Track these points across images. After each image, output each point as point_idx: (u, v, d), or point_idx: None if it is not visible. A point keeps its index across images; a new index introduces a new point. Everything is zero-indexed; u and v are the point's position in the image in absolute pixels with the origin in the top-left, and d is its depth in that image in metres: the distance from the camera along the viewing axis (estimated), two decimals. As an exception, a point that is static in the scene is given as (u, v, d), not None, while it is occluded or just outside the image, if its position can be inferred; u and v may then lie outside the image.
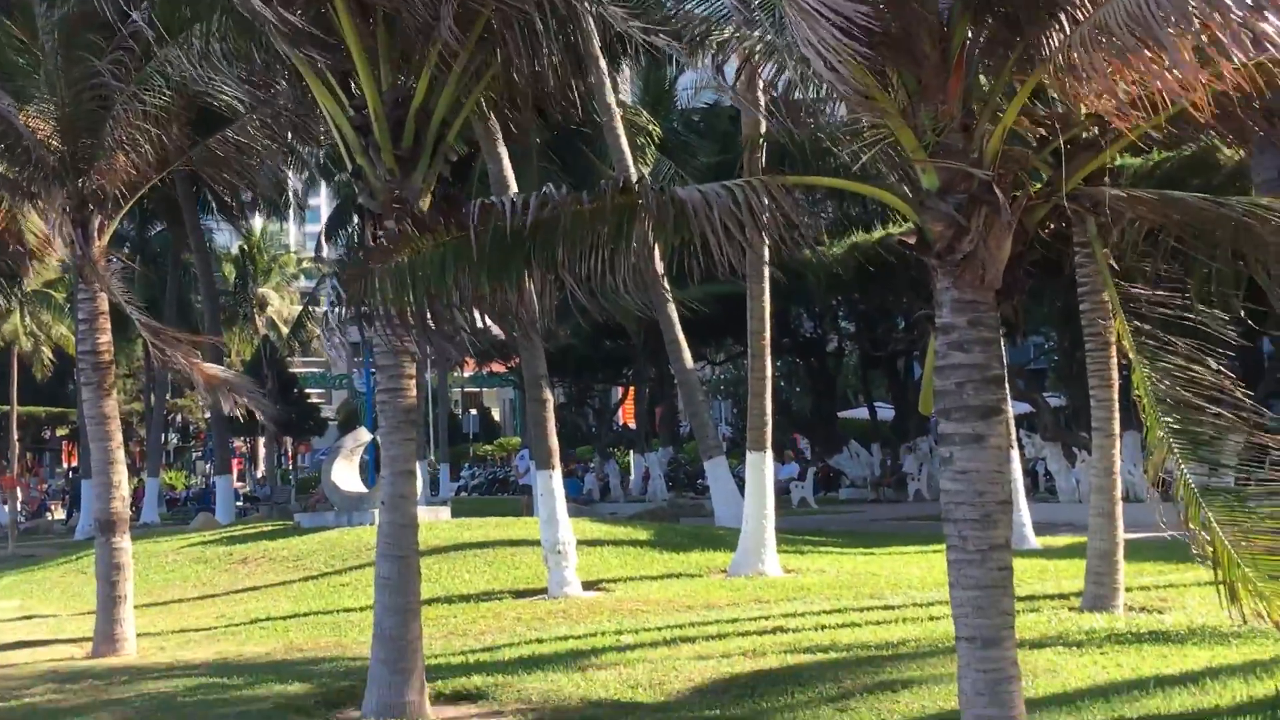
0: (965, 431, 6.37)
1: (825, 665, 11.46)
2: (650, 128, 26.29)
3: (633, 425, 48.09)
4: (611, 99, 22.36)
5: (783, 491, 30.45)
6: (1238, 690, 9.60)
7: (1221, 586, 7.96)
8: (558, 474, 18.07)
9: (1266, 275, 7.62)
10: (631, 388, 47.47)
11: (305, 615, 17.07)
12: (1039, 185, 7.13)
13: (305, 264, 66.89)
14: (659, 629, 13.86)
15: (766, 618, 14.23)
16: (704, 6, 9.01)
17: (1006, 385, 17.34)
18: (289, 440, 60.35)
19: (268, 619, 16.93)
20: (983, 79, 6.72)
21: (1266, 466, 8.54)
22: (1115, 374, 13.99)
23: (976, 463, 6.38)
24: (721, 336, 38.34)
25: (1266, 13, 5.15)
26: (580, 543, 18.25)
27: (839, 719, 9.69)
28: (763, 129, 15.84)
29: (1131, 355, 8.18)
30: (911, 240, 6.72)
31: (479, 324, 7.84)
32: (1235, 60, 5.31)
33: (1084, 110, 6.74)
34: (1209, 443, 8.38)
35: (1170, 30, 5.14)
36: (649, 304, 21.67)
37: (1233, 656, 10.74)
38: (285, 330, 59.56)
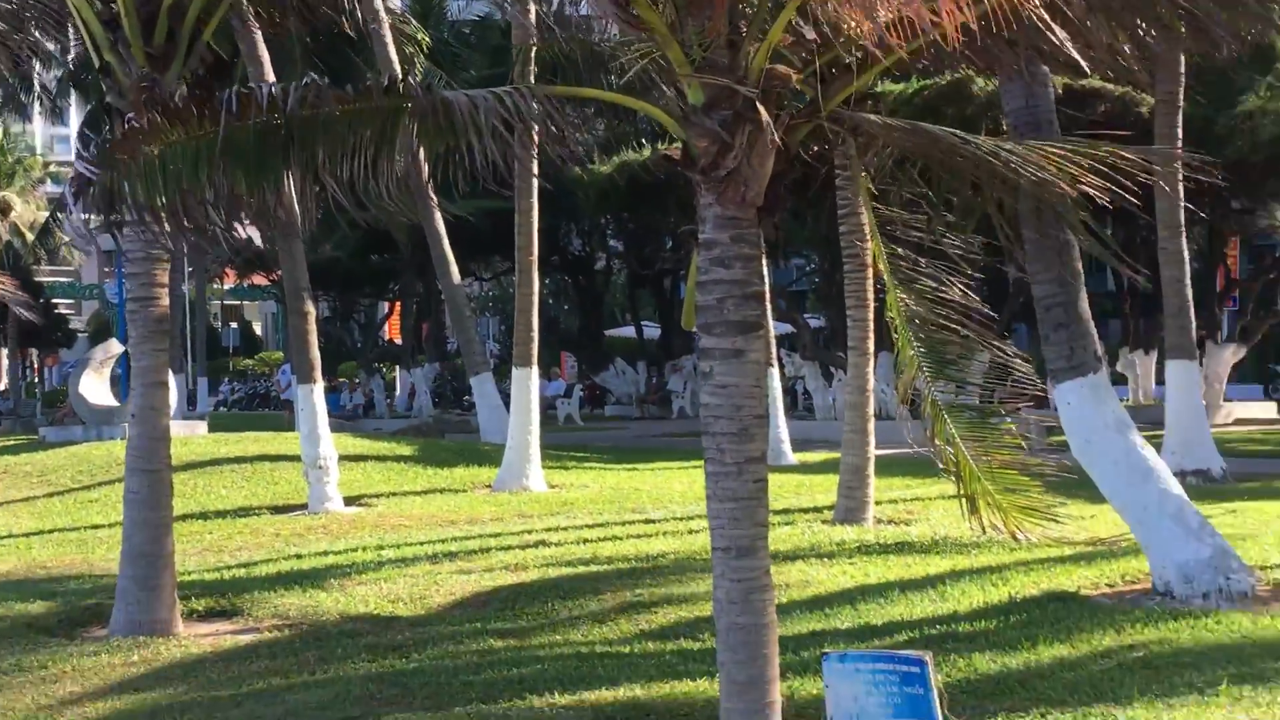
0: (725, 346, 6.45)
1: (586, 578, 11.60)
2: (420, 37, 25.72)
3: (399, 341, 47.53)
4: (380, 4, 21.80)
5: (549, 408, 30.60)
6: (975, 596, 10.09)
7: (963, 499, 8.34)
8: (319, 388, 17.73)
9: (999, 211, 7.91)
10: (398, 303, 46.84)
11: (50, 532, 16.42)
12: (802, 106, 7.22)
13: (53, 168, 63.64)
14: (421, 544, 13.80)
15: (530, 532, 14.31)
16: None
17: (767, 303, 17.69)
18: (34, 352, 57.68)
19: (8, 536, 16.24)
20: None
21: (1008, 385, 8.94)
22: (871, 295, 14.41)
23: (736, 377, 6.47)
24: (490, 253, 38.09)
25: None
26: (342, 458, 18.01)
27: (598, 630, 9.82)
28: (534, 41, 15.66)
29: (886, 277, 8.42)
30: (677, 156, 6.73)
31: (241, 233, 7.57)
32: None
33: (849, 33, 6.83)
34: (955, 362, 8.71)
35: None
36: (414, 211, 21.41)
37: (971, 564, 11.27)
38: (30, 236, 56.68)
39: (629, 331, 44.79)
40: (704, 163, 6.43)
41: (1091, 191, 7.06)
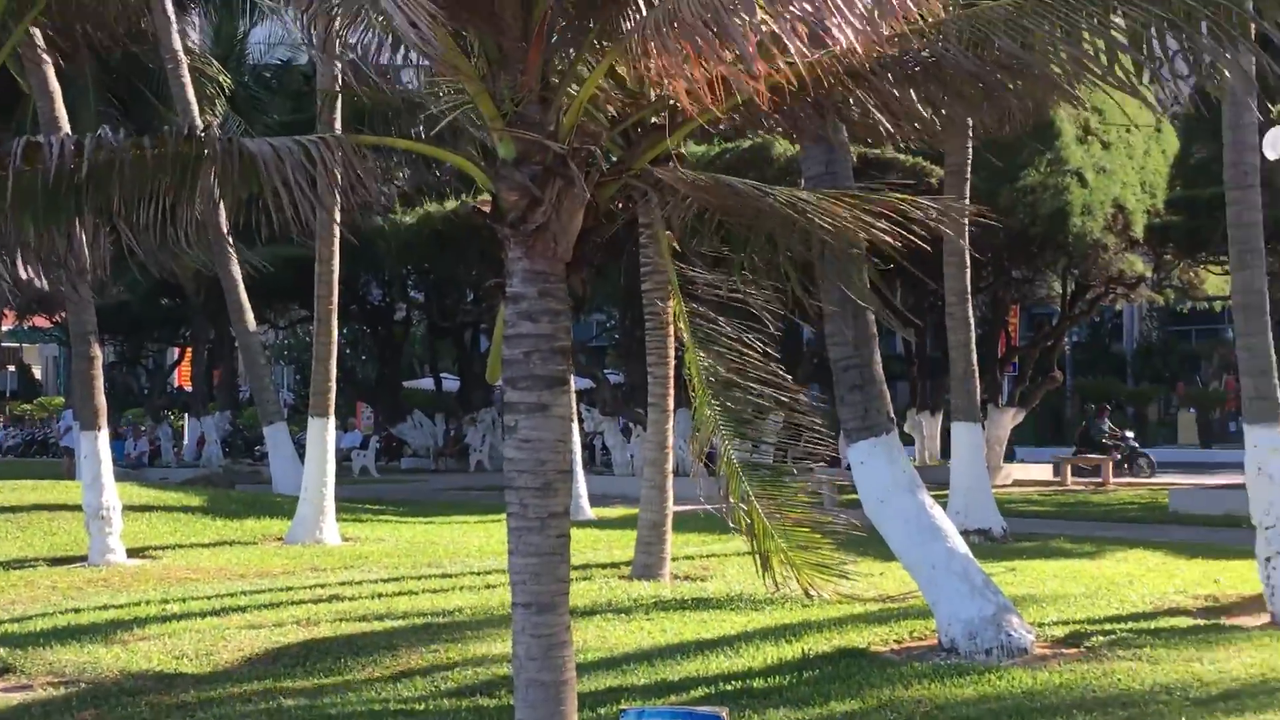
0: (530, 400, 6.44)
1: (380, 634, 11.38)
2: (220, 78, 25.22)
3: (189, 388, 46.13)
4: (178, 44, 21.34)
5: (344, 459, 30.06)
6: (769, 652, 10.22)
7: (756, 556, 8.47)
8: (104, 435, 17.08)
9: (801, 269, 8.11)
10: (189, 349, 45.51)
11: None
12: (611, 162, 7.29)
13: None
14: (208, 598, 13.36)
15: (322, 586, 13.99)
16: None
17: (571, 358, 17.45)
18: None
19: None
20: (565, 52, 6.80)
21: (802, 444, 9.14)
22: (671, 352, 14.56)
23: (540, 431, 6.46)
24: (288, 300, 37.35)
25: (822, 12, 5.45)
26: (126, 508, 17.35)
27: (392, 688, 9.63)
28: (339, 87, 15.49)
29: (685, 335, 8.54)
30: (486, 209, 6.72)
31: (22, 273, 7.27)
32: (793, 55, 5.60)
33: (657, 92, 6.95)
34: (751, 421, 8.87)
35: (737, 20, 5.34)
36: (211, 260, 20.80)
37: (766, 621, 11.42)
38: None
39: (428, 383, 44.34)
40: (513, 217, 6.44)
41: (884, 239, 7.28)
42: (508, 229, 6.47)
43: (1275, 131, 16.30)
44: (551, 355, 6.49)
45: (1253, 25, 6.57)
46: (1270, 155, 16.13)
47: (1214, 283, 26.87)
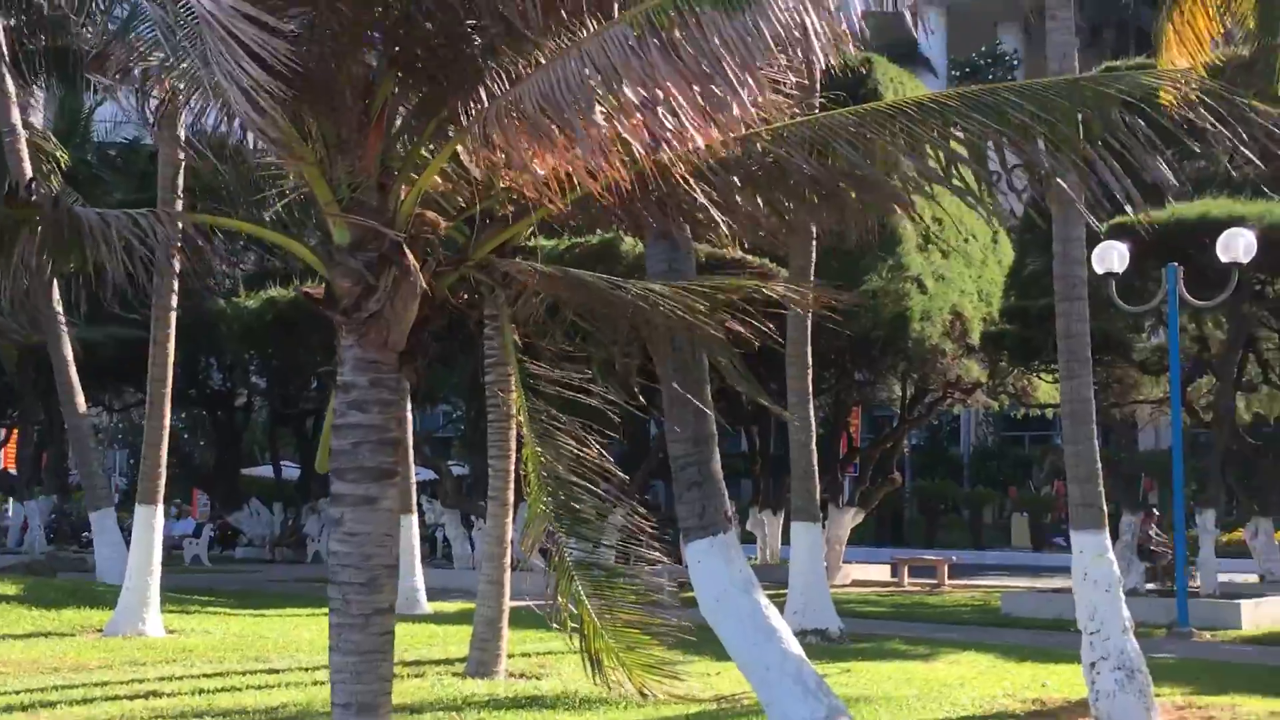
0: (358, 493, 6.27)
1: (199, 732, 10.92)
2: (58, 154, 24.61)
3: (14, 470, 44.38)
4: (16, 118, 20.80)
5: (176, 547, 29.12)
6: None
7: (586, 656, 8.32)
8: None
9: (651, 358, 8.10)
10: (15, 429, 43.85)
11: None
12: (452, 252, 7.21)
13: None
14: (16, 693, 12.68)
15: (141, 681, 13.40)
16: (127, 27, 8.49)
17: (411, 450, 17.25)
18: None
19: None
20: (406, 139, 6.72)
21: (644, 544, 9.05)
22: (513, 446, 14.42)
23: (367, 525, 6.29)
24: (122, 382, 36.29)
25: (663, 113, 5.47)
26: (-66, 596, 16.50)
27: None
28: (182, 166, 15.21)
29: (525, 430, 8.44)
30: (320, 295, 6.58)
31: None
32: (636, 153, 5.61)
33: (501, 183, 6.90)
34: (588, 520, 8.77)
35: (579, 117, 5.33)
36: (37, 331, 20.07)
37: (600, 721, 11.24)
38: None
39: (267, 471, 43.36)
40: (346, 303, 6.31)
41: (737, 329, 7.30)
42: (340, 316, 6.33)
43: (1104, 246, 16.92)
44: (381, 447, 6.34)
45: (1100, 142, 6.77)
46: (1099, 269, 16.72)
47: (1046, 390, 27.61)
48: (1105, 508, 11.62)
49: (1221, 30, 13.10)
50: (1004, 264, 26.19)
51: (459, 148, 6.40)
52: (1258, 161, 6.72)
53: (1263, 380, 24.45)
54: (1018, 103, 6.41)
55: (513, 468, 14.80)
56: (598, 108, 5.41)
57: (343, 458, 6.32)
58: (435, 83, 6.40)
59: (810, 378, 17.63)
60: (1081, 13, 13.21)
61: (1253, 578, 24.01)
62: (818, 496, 18.55)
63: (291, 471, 42.55)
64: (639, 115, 5.54)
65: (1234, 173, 21.24)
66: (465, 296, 7.67)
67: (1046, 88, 6.74)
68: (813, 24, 5.37)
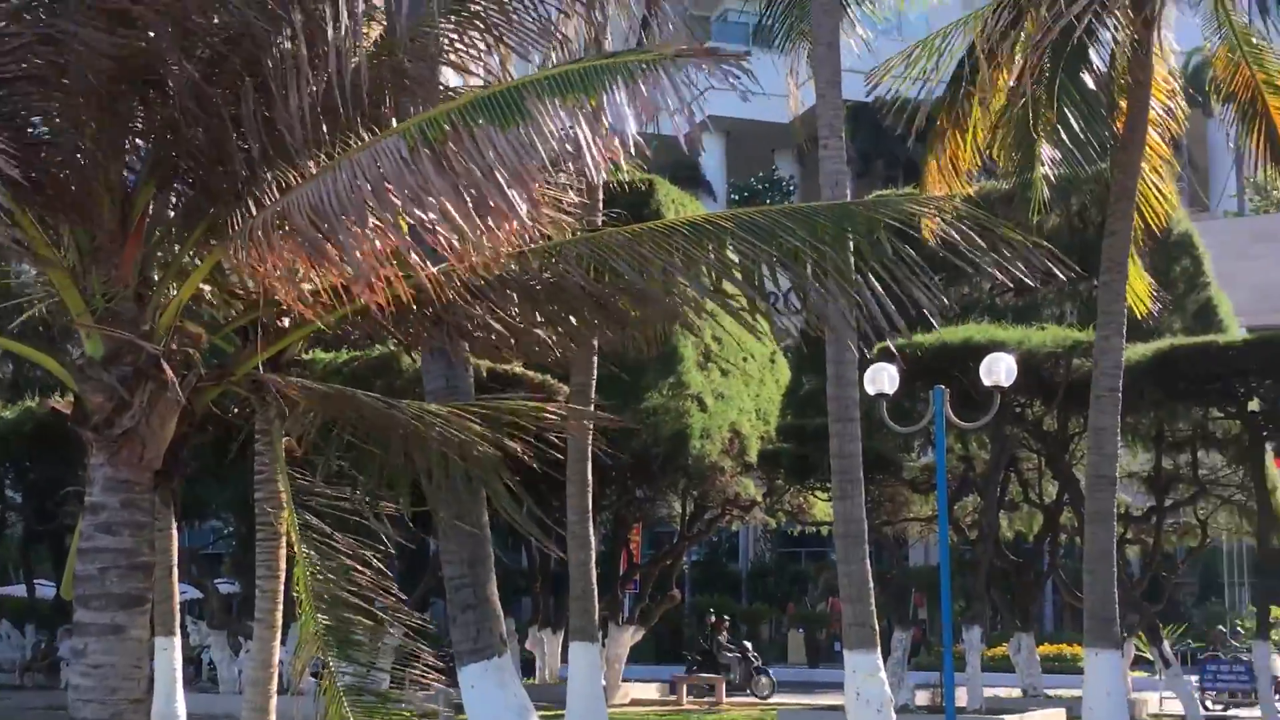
0: (103, 622, 5.88)
1: None
2: None
3: None
4: None
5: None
6: None
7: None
8: None
9: (428, 478, 7.89)
10: None
11: None
12: (219, 365, 6.93)
13: None
14: None
15: None
16: None
17: (176, 568, 16.47)
18: None
19: None
20: (168, 248, 6.45)
21: (420, 667, 8.75)
22: (283, 566, 13.88)
23: (113, 656, 5.89)
24: None
25: (437, 226, 5.37)
26: None
27: None
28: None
29: (296, 548, 8.12)
30: (69, 410, 6.22)
31: None
32: (411, 266, 5.47)
33: (271, 296, 6.67)
34: (362, 643, 8.45)
35: (350, 229, 5.19)
36: None
37: None
38: None
39: (19, 590, 40.99)
40: (98, 420, 5.97)
41: (515, 451, 7.16)
42: (91, 433, 5.98)
43: (874, 368, 17.39)
44: (131, 572, 5.98)
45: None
46: (870, 390, 17.15)
47: (821, 507, 28.10)
48: (877, 626, 11.76)
49: (980, 165, 13.72)
50: (781, 383, 26.72)
51: (225, 258, 6.16)
52: (1024, 276, 6.95)
53: (1023, 499, 25.32)
54: (789, 226, 6.51)
55: (282, 588, 14.23)
56: (370, 219, 5.28)
57: (88, 584, 5.93)
58: (201, 191, 6.17)
59: (590, 495, 17.55)
60: (853, 142, 13.78)
61: (1016, 691, 24.63)
62: (597, 615, 18.37)
63: (47, 590, 40.32)
64: (411, 228, 5.42)
65: (996, 300, 22.21)
66: (235, 410, 7.37)
67: (817, 211, 6.87)
68: (586, 140, 5.36)
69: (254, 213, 5.78)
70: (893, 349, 16.39)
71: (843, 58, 12.76)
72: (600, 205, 12.61)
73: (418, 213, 5.35)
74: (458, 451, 7.17)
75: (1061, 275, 7.28)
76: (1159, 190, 15.64)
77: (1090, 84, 13.83)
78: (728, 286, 7.05)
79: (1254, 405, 21.88)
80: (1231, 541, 31.77)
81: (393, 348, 20.13)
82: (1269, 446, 22.50)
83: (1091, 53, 13.52)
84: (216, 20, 6.08)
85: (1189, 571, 33.08)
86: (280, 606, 14.23)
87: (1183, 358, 20.82)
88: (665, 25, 12.13)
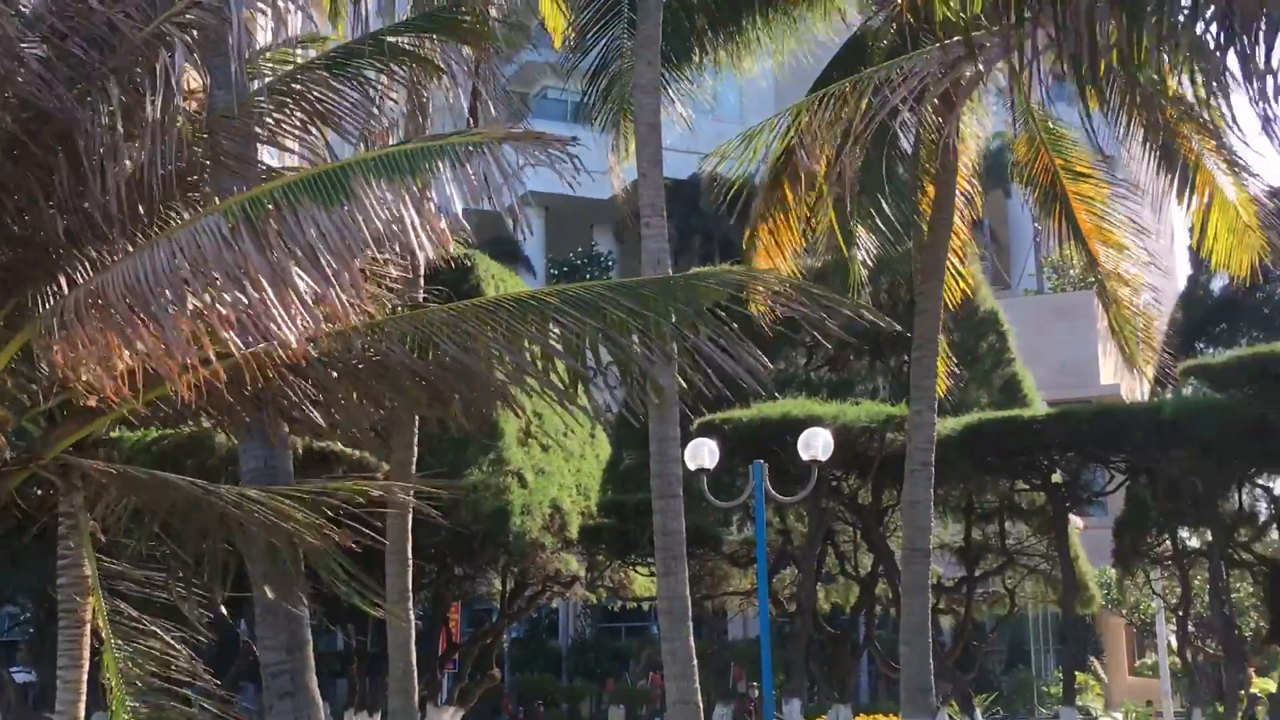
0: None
1: None
2: None
3: None
4: None
5: None
6: None
7: None
8: None
9: (250, 563, 7.71)
10: None
11: None
12: (23, 448, 6.67)
13: None
14: None
15: None
16: None
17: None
18: None
19: None
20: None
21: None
22: (86, 654, 13.33)
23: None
24: None
25: (257, 304, 5.28)
26: None
27: None
28: None
29: (105, 635, 7.84)
30: None
31: None
32: (229, 346, 5.36)
33: (80, 376, 6.46)
34: (177, 729, 8.18)
35: (167, 308, 5.06)
36: None
37: None
38: None
39: None
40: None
41: (334, 537, 7.03)
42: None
43: (695, 443, 17.57)
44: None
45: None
46: (691, 465, 17.31)
47: (642, 583, 28.16)
48: (700, 703, 11.79)
49: (803, 242, 14.08)
50: (602, 458, 26.80)
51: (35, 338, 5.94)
52: (846, 337, 7.12)
53: (840, 571, 25.77)
54: (615, 299, 6.57)
55: (84, 677, 13.64)
56: (189, 299, 5.16)
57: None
58: (8, 269, 5.96)
59: (410, 575, 17.27)
60: (671, 219, 14.03)
61: (836, 763, 24.90)
62: (416, 696, 18.01)
63: None
64: (231, 306, 5.31)
65: (811, 375, 22.68)
66: (39, 492, 7.10)
67: (643, 284, 6.95)
68: (412, 220, 5.34)
69: (65, 291, 5.60)
70: (715, 423, 16.60)
71: (663, 136, 12.99)
72: (421, 281, 12.54)
73: (237, 290, 5.24)
74: (281, 536, 7.00)
75: (883, 325, 7.45)
76: (958, 270, 16.26)
77: (901, 169, 14.36)
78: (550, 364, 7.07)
79: (1057, 477, 22.73)
80: (1037, 609, 32.76)
81: (206, 426, 19.63)
82: (1071, 516, 23.37)
83: (902, 140, 14.04)
84: (15, 96, 5.91)
85: (998, 640, 34.00)
86: (83, 698, 13.66)
87: (990, 432, 21.57)
88: (489, 106, 12.20)
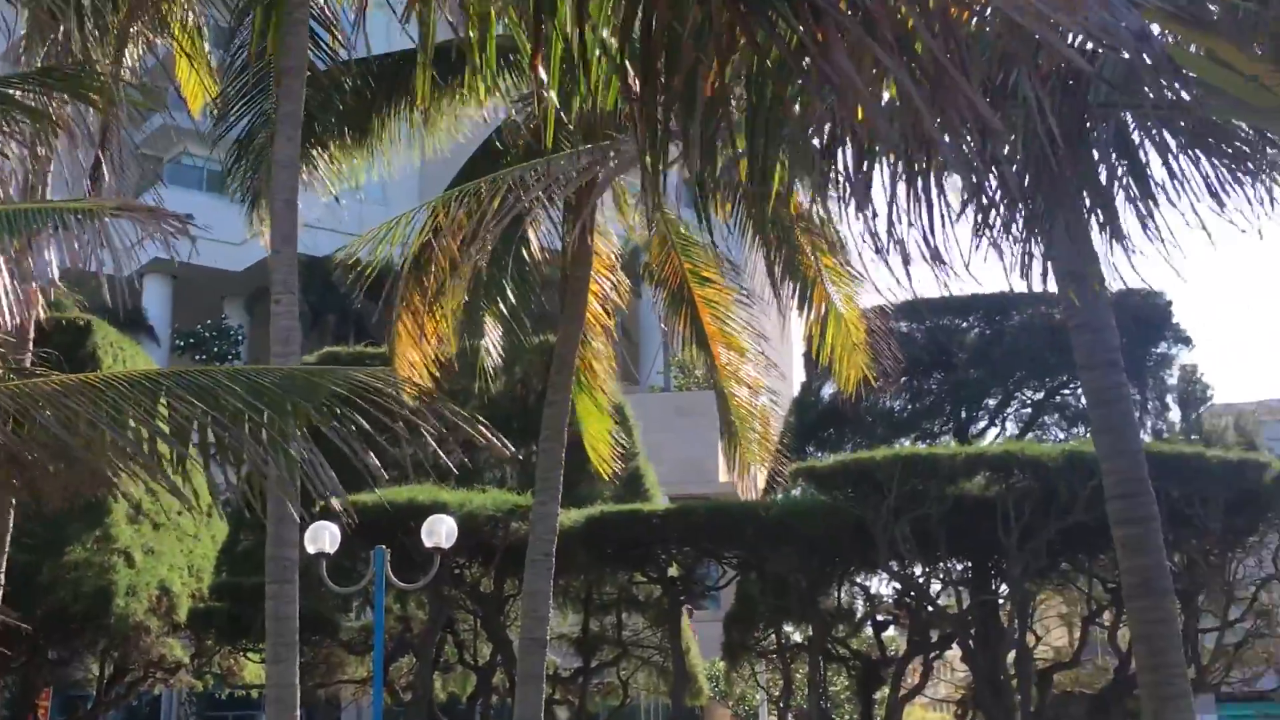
0: None
1: None
2: None
3: None
4: None
5: None
6: None
7: None
8: None
9: None
10: None
11: None
12: None
13: None
14: None
15: None
16: None
17: None
18: None
19: None
20: None
21: None
22: None
23: None
24: None
25: None
26: None
27: None
28: None
29: None
30: None
31: None
32: None
33: None
34: None
35: None
36: None
37: None
38: None
39: None
40: None
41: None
42: None
43: (315, 527, 17.17)
44: None
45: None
46: (311, 549, 16.89)
47: (253, 669, 27.12)
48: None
49: (444, 327, 14.11)
50: (218, 539, 25.77)
51: None
52: (473, 438, 7.15)
53: (458, 660, 25.60)
54: (233, 388, 6.38)
55: None
56: None
57: None
58: None
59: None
60: (305, 297, 13.79)
61: None
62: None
63: None
64: None
65: (440, 459, 22.55)
66: None
67: (262, 374, 6.79)
68: (6, 283, 5.05)
69: None
70: (336, 508, 16.25)
71: (300, 213, 12.76)
72: (30, 343, 11.80)
73: None
74: None
75: (504, 447, 7.55)
76: (592, 365, 16.66)
77: (529, 263, 14.66)
78: (163, 445, 6.77)
79: (673, 570, 23.39)
80: (649, 700, 33.44)
81: None
82: (685, 609, 24.05)
83: (532, 234, 14.33)
84: None
85: (610, 730, 34.46)
86: None
87: (611, 524, 22.03)
88: (117, 168, 11.69)
